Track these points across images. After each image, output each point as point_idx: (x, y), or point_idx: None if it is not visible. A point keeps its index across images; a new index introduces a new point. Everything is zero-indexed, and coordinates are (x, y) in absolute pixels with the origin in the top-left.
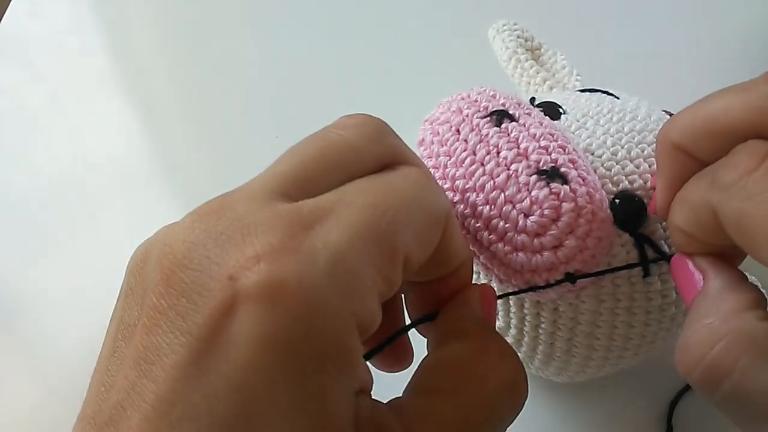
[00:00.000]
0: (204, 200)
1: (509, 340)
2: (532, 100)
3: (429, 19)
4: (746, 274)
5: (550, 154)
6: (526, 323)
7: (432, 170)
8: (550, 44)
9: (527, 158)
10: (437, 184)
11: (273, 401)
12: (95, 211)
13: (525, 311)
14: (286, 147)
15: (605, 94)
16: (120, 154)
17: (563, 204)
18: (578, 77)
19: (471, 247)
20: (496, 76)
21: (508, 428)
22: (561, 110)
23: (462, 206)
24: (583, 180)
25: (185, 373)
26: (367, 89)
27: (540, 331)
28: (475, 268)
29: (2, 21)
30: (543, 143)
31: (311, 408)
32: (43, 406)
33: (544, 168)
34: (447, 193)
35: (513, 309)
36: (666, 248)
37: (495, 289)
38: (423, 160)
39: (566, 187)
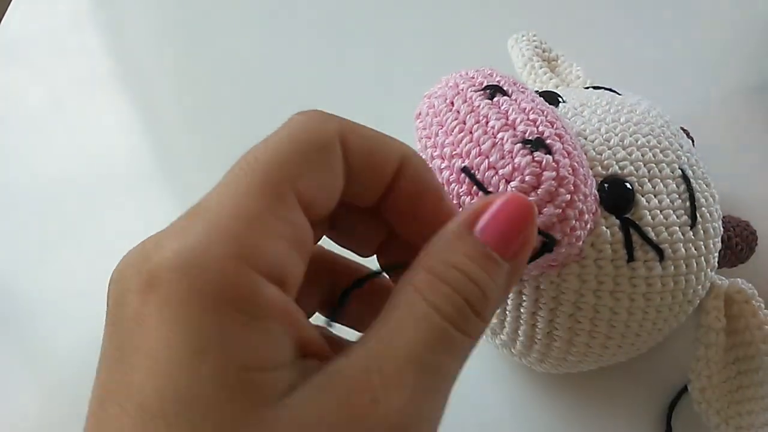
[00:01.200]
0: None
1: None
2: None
3: (429, 20)
4: (739, 280)
5: (537, 127)
6: (508, 302)
7: (425, 140)
8: (564, 49)
9: (514, 128)
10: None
11: None
12: (95, 211)
13: None
14: None
15: (609, 91)
16: (120, 154)
17: (544, 172)
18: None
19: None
20: None
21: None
22: (560, 99)
23: (448, 172)
24: (568, 153)
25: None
26: (370, 90)
27: (522, 310)
28: None
29: (2, 21)
30: (532, 116)
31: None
32: (43, 407)
33: (530, 138)
34: (435, 160)
35: None
36: (653, 236)
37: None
38: (418, 131)
39: (549, 156)
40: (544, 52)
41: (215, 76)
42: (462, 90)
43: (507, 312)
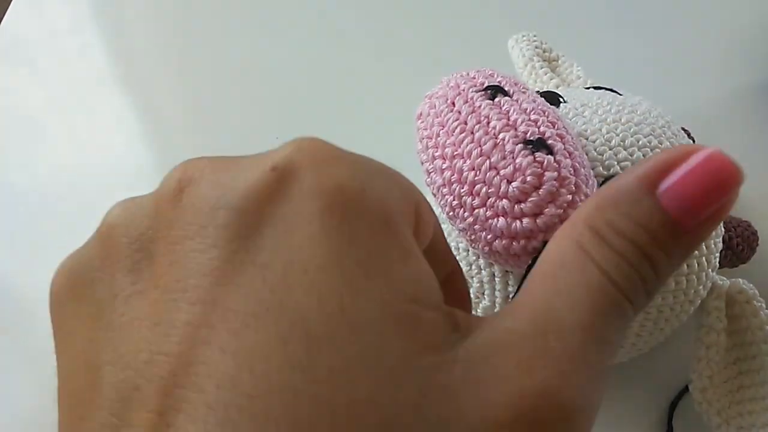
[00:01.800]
0: None
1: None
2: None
3: (429, 20)
4: (740, 280)
5: (538, 127)
6: (509, 301)
7: (426, 140)
8: (565, 50)
9: (515, 129)
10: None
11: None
12: (95, 211)
13: (510, 289)
14: None
15: (610, 91)
16: (120, 154)
17: (546, 173)
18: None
19: (454, 212)
20: None
21: None
22: (561, 99)
23: (449, 172)
24: (569, 154)
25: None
26: (370, 90)
27: None
28: (462, 245)
29: (2, 21)
30: (533, 117)
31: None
32: (43, 407)
33: (531, 138)
34: (437, 160)
35: (498, 287)
36: None
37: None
38: (419, 132)
39: (551, 157)
40: (544, 52)
41: (215, 77)
42: (463, 90)
43: None
